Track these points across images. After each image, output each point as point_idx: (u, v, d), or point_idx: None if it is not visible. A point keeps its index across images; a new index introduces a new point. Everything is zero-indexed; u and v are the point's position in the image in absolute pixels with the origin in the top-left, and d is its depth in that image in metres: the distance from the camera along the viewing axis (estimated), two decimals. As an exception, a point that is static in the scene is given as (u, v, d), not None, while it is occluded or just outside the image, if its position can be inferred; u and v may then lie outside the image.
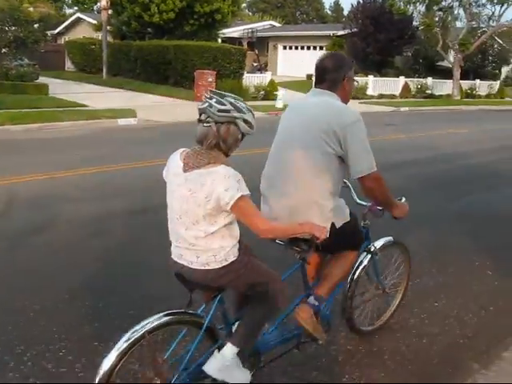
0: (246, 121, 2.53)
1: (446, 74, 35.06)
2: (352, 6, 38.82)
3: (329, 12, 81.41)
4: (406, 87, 30.47)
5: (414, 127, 17.66)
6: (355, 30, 36.19)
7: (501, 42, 46.83)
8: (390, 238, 3.82)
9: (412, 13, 36.73)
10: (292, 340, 3.32)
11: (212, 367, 2.73)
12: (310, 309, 3.14)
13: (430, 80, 32.62)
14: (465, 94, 33.74)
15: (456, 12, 34.92)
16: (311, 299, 3.21)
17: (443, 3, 33.38)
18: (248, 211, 2.53)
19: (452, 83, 32.62)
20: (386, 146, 12.65)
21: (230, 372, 2.74)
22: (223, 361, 2.73)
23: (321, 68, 3.14)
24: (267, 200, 3.16)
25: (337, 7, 79.29)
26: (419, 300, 4.61)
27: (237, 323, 2.95)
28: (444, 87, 33.33)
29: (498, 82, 40.13)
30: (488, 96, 36.18)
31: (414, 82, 31.83)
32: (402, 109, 24.73)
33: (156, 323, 2.58)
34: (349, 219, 3.17)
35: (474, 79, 37.87)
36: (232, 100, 2.51)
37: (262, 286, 2.74)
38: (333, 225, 3.04)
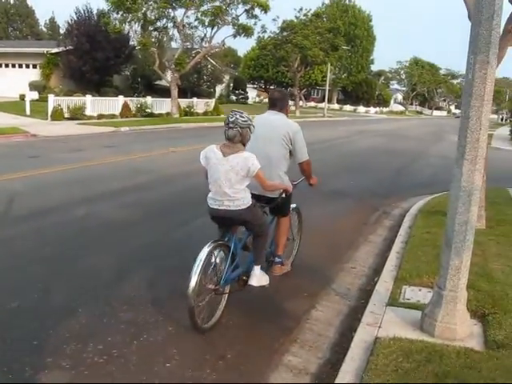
0: (253, 126, 4.58)
1: (165, 92, 35.97)
2: (68, 23, 37.42)
3: (44, 29, 77.67)
4: (126, 106, 30.25)
5: (135, 147, 17.43)
6: (71, 47, 34.86)
7: (214, 62, 50.13)
8: (295, 204, 6.02)
9: (128, 32, 36.87)
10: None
11: (254, 281, 4.97)
12: (280, 265, 5.68)
13: (149, 99, 33.00)
14: (184, 111, 34.97)
15: (171, 33, 35.99)
16: (276, 259, 5.66)
17: (158, 23, 34.05)
18: (261, 176, 4.63)
19: (171, 102, 33.45)
20: (105, 171, 12.09)
21: (261, 279, 5.03)
22: (257, 276, 4.99)
23: (273, 98, 5.53)
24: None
25: (52, 24, 76.11)
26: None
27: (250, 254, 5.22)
28: (163, 105, 34.06)
29: (214, 99, 42.66)
30: (205, 113, 38.18)
31: (133, 102, 31.80)
32: (123, 129, 24.40)
33: (211, 246, 4.50)
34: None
35: (191, 97, 39.61)
36: (246, 115, 4.53)
37: (261, 228, 4.92)
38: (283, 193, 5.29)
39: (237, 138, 4.50)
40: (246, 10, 33.54)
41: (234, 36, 35.28)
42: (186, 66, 34.13)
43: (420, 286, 5.69)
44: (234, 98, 57.95)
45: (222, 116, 38.10)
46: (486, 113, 4.22)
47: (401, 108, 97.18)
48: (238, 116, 4.47)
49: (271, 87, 70.47)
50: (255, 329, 4.84)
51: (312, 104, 76.23)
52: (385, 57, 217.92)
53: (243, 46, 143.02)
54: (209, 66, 49.36)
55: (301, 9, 51.60)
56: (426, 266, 6.22)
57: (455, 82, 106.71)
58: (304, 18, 52.86)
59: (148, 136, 22.61)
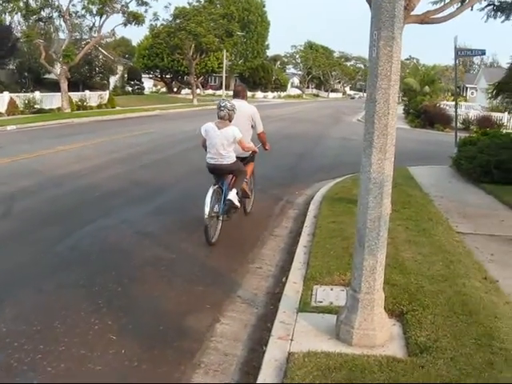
0: (235, 109, 7.00)
1: (55, 86, 33.76)
2: None
3: None
4: (12, 103, 28.06)
5: (22, 148, 15.95)
6: None
7: (105, 53, 48.05)
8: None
9: (10, 23, 34.33)
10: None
11: (231, 197, 7.07)
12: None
13: (38, 94, 30.80)
14: (76, 106, 33.09)
15: (57, 23, 33.80)
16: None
17: (42, 13, 31.87)
18: (242, 141, 7.11)
19: (61, 96, 31.51)
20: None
21: (235, 198, 7.14)
22: (233, 194, 7.12)
23: (237, 90, 8.11)
24: None
25: None
26: None
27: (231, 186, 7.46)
28: (54, 100, 31.98)
29: (108, 91, 40.85)
30: (99, 106, 36.38)
31: (21, 98, 29.57)
32: (9, 127, 22.52)
33: (213, 188, 6.88)
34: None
35: (83, 90, 37.58)
36: (231, 102, 7.11)
37: (242, 171, 7.37)
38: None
39: (226, 117, 6.92)
40: (135, -3, 32.18)
41: (125, 24, 33.87)
42: (74, 57, 32.23)
43: (332, 285, 5.27)
44: (129, 89, 55.95)
45: (118, 108, 36.64)
46: (393, 95, 3.80)
47: (298, 92, 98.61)
48: (226, 103, 6.95)
49: (167, 76, 69.00)
50: (150, 357, 4.14)
51: (210, 91, 75.38)
52: (280, 42, 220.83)
53: (138, 36, 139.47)
54: (100, 57, 47.14)
55: (192, -5, 50.66)
56: (336, 261, 5.83)
57: (349, 64, 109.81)
58: (197, 4, 52.01)
59: (36, 134, 20.97)
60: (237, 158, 7.23)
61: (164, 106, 43.31)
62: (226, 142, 6.90)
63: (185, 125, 24.93)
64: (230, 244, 7.16)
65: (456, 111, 15.92)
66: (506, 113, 25.25)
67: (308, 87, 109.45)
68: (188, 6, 51.51)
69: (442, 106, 31.91)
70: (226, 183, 7.26)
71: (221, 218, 7.15)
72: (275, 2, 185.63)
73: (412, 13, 8.20)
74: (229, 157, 7.01)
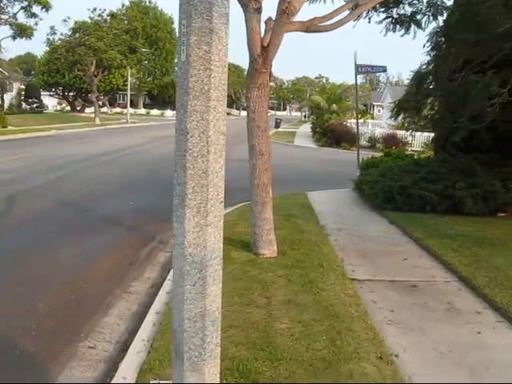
0: None
1: None
2: None
3: None
4: None
5: None
6: None
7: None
8: None
9: None
10: None
11: None
12: None
13: None
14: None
15: None
16: None
17: None
18: None
19: None
20: None
21: None
22: None
23: None
24: None
25: None
26: None
27: None
28: None
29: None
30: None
31: None
32: None
33: None
34: None
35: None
36: None
37: None
38: None
39: None
40: (22, 8, 29.72)
41: (14, 37, 31.32)
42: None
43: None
44: (27, 107, 52.36)
45: (11, 128, 33.64)
46: (216, 122, 2.37)
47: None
48: None
49: (70, 94, 65.68)
50: None
51: (118, 110, 72.55)
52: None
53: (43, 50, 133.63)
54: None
55: (94, 9, 48.28)
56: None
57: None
58: (99, 18, 49.67)
59: None
60: None
61: (63, 125, 40.50)
62: None
63: (74, 147, 22.86)
64: (63, 311, 5.48)
65: (358, 130, 15.05)
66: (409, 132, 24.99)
67: (232, 107, 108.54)
68: (89, 21, 49.11)
69: (348, 124, 31.47)
70: None
71: None
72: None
73: (296, 19, 6.95)
74: None
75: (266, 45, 6.62)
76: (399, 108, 11.81)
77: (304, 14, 7.29)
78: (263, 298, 5.16)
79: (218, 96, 2.34)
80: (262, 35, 6.76)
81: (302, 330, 4.53)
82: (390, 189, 10.36)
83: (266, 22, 6.92)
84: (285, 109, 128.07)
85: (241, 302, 5.10)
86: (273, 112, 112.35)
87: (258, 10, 6.51)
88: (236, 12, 7.10)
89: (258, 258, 6.73)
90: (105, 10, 49.21)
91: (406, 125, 12.72)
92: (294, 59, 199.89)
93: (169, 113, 72.90)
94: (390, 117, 12.71)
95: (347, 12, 7.43)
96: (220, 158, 2.41)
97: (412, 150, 25.83)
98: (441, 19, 11.27)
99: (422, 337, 4.77)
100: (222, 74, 2.35)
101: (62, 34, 45.31)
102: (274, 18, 6.70)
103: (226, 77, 2.40)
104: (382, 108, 57.23)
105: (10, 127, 34.71)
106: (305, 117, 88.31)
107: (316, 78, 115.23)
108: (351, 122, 33.55)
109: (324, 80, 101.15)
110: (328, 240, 8.01)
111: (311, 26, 7.04)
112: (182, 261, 2.44)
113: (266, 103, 6.77)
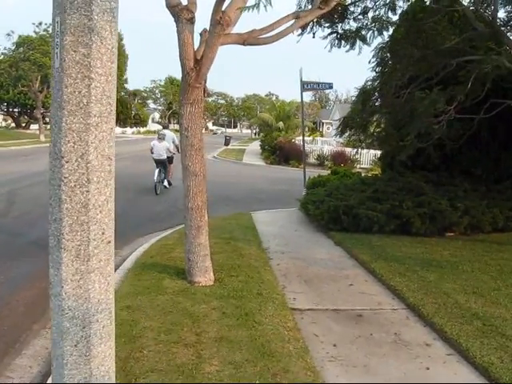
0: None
1: None
2: None
3: None
4: None
5: None
6: None
7: None
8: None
9: None
10: None
11: (165, 184, 16.56)
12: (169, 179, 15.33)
13: None
14: None
15: None
16: (168, 179, 16.66)
17: None
18: (170, 150, 16.42)
19: None
20: None
21: (166, 183, 16.56)
22: (166, 182, 16.51)
23: (164, 126, 22.59)
24: None
25: None
26: None
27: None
28: None
29: None
30: None
31: None
32: None
33: (157, 170, 15.89)
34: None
35: None
36: (166, 132, 16.76)
37: (167, 166, 16.67)
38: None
39: (162, 138, 15.90)
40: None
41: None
42: None
43: None
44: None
45: None
46: (98, 144, 1.90)
47: (159, 127, 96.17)
48: (163, 132, 16.57)
49: (15, 110, 63.68)
50: None
51: (65, 127, 70.75)
52: (139, 76, 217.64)
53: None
54: None
55: (40, 23, 47.15)
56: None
57: (210, 99, 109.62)
58: (44, 33, 48.49)
59: None
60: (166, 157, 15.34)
61: (3, 142, 39.03)
62: (162, 149, 15.72)
63: (16, 165, 21.80)
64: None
65: (303, 148, 14.79)
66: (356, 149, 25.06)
67: (170, 122, 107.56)
68: (34, 35, 47.86)
69: (296, 141, 31.36)
70: (161, 168, 15.76)
71: (161, 182, 15.77)
72: (134, 36, 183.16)
73: (233, 31, 6.56)
74: (164, 156, 15.77)
75: (199, 58, 6.18)
76: (345, 125, 11.56)
77: (244, 26, 6.94)
78: (193, 335, 4.67)
79: (100, 111, 1.87)
80: (197, 48, 6.34)
81: (232, 373, 4.05)
82: (335, 209, 10.05)
83: (200, 34, 6.49)
84: (235, 126, 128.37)
85: (167, 340, 4.59)
86: (223, 129, 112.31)
87: (191, 21, 6.07)
88: (171, 22, 6.65)
89: (193, 286, 6.22)
90: (50, 24, 48.11)
91: (352, 143, 12.46)
92: (244, 76, 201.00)
93: (117, 130, 71.65)
94: (335, 134, 12.46)
95: (288, 24, 7.09)
96: (105, 188, 1.93)
97: (361, 168, 25.88)
98: (386, 34, 11.14)
99: (367, 375, 4.37)
100: (107, 83, 1.88)
101: (5, 49, 43.90)
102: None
103: (114, 88, 1.93)
104: (331, 125, 57.69)
105: None
106: (255, 134, 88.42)
107: (266, 95, 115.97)
108: (300, 140, 33.55)
109: (274, 97, 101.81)
110: (270, 265, 7.58)
111: (249, 39, 6.65)
112: (60, 316, 1.95)
113: (200, 120, 6.31)
